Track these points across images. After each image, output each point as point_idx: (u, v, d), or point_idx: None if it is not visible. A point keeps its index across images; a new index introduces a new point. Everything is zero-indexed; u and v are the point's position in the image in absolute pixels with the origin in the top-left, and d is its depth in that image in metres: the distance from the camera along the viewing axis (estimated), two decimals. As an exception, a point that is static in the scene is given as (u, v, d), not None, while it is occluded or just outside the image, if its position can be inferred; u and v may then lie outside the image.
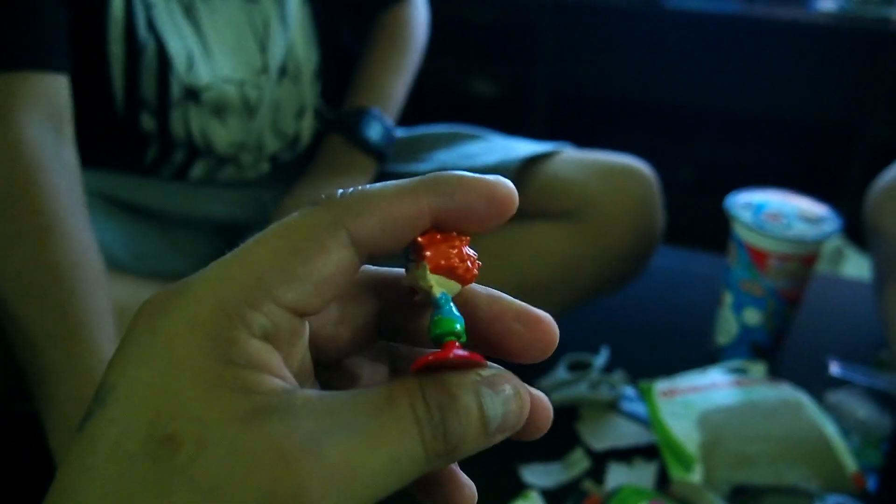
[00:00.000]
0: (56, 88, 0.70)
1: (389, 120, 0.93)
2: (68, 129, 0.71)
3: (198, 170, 0.87)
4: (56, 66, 0.70)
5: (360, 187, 0.22)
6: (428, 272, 0.23)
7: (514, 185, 0.24)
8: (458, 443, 0.21)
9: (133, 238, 0.83)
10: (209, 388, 0.19)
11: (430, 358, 0.22)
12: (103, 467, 0.19)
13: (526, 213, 0.90)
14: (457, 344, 0.22)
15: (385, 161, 0.93)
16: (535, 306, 0.25)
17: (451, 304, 0.23)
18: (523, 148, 0.93)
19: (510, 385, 0.22)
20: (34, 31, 0.70)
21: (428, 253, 0.23)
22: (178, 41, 0.79)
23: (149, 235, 0.85)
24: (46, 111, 0.69)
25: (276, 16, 0.85)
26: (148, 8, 0.78)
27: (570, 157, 0.94)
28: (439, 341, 0.23)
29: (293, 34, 0.87)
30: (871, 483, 0.75)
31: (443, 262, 0.23)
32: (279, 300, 0.21)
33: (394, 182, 0.23)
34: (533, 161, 0.92)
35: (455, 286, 0.23)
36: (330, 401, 0.20)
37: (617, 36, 2.11)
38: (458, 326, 0.23)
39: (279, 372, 0.21)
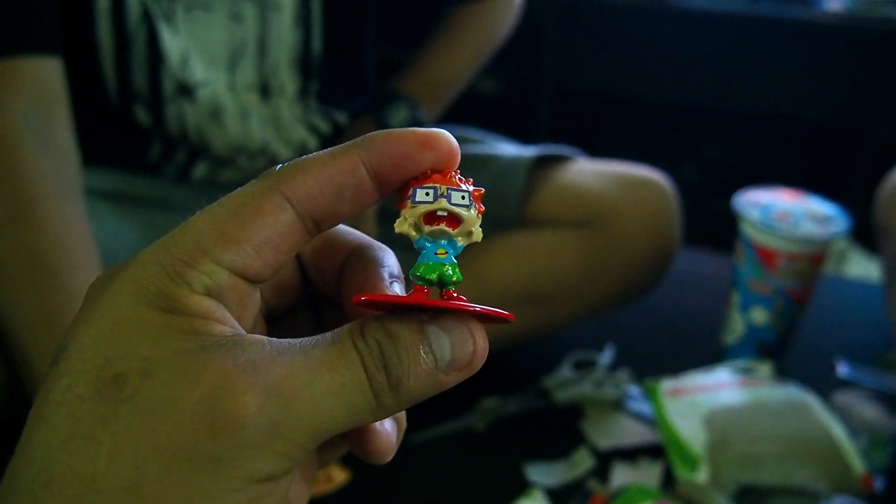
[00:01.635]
0: (45, 71, 0.69)
1: (422, 110, 0.90)
2: (61, 112, 0.70)
3: (200, 170, 0.87)
4: (44, 49, 0.69)
5: (296, 158, 0.23)
6: (405, 216, 0.23)
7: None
8: (401, 377, 0.21)
9: (140, 237, 0.83)
10: (156, 334, 0.20)
11: (364, 298, 0.22)
12: (55, 412, 0.20)
13: (541, 220, 0.90)
14: (425, 290, 0.23)
15: None
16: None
17: (438, 248, 0.23)
18: (532, 150, 0.92)
19: (461, 323, 0.22)
20: (20, 14, 0.69)
21: (408, 193, 0.23)
22: (174, 36, 0.79)
23: (153, 236, 0.85)
24: (34, 95, 0.68)
25: (254, 38, 0.82)
26: (142, 2, 0.76)
27: (587, 165, 0.93)
28: (422, 284, 0.23)
29: (276, 56, 0.84)
30: (878, 484, 0.74)
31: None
32: (219, 261, 0.21)
33: (327, 149, 0.23)
34: (547, 166, 0.91)
35: (460, 230, 0.22)
36: (278, 341, 0.21)
37: (622, 35, 2.11)
38: (430, 273, 0.22)
39: (227, 322, 0.21)
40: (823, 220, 0.88)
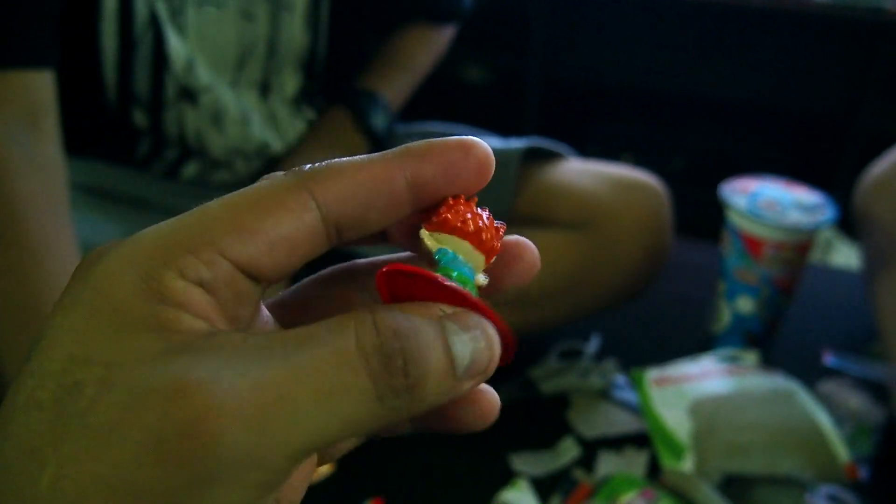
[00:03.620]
0: (34, 84, 0.67)
1: (391, 113, 0.92)
2: (48, 125, 0.68)
3: (190, 170, 0.85)
4: (35, 62, 0.68)
5: (329, 161, 0.21)
6: (424, 231, 0.21)
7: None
8: (420, 378, 0.18)
9: (119, 234, 0.82)
10: (126, 331, 0.18)
11: (392, 269, 0.20)
12: (14, 419, 0.18)
13: (533, 219, 0.89)
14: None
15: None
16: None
17: (455, 261, 0.21)
18: (522, 142, 0.91)
19: (480, 324, 0.20)
20: (12, 26, 0.67)
21: (438, 213, 0.21)
22: (180, 41, 0.77)
23: (132, 233, 0.83)
24: (22, 109, 0.66)
25: (264, 37, 0.82)
26: (149, 4, 0.75)
27: (579, 165, 0.92)
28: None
29: (284, 56, 0.84)
30: (863, 473, 0.75)
31: (447, 217, 0.21)
32: (225, 251, 0.19)
33: (365, 155, 0.21)
34: (538, 163, 0.90)
35: (478, 258, 0.22)
36: (259, 338, 0.18)
37: (610, 24, 2.10)
38: (454, 273, 0.21)
39: (206, 315, 0.19)
40: (810, 208, 0.88)
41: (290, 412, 0.17)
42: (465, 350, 0.19)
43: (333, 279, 0.25)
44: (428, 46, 0.98)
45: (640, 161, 1.98)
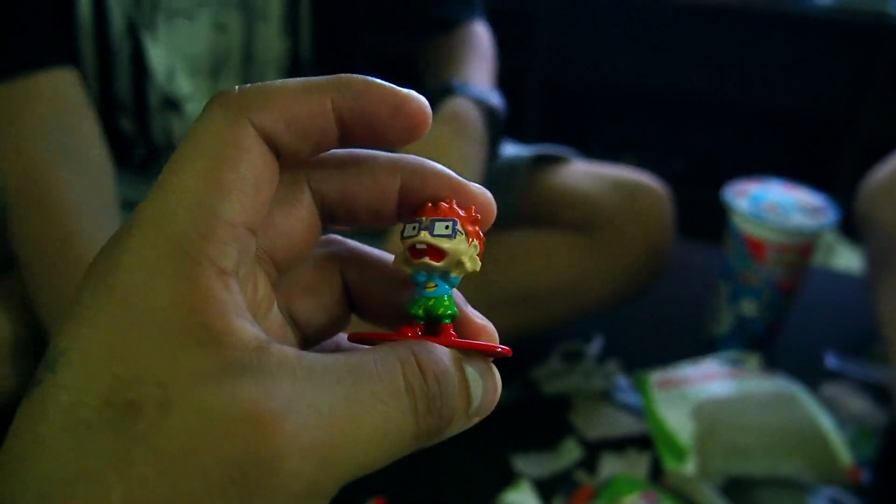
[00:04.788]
0: (64, 83, 0.67)
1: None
2: (86, 123, 0.68)
3: None
4: (59, 60, 0.67)
5: (260, 83, 0.20)
6: (397, 258, 0.22)
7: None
8: (449, 419, 0.20)
9: None
10: (173, 345, 0.17)
11: (353, 336, 0.21)
12: (57, 437, 0.17)
13: (536, 220, 0.89)
14: (417, 326, 0.22)
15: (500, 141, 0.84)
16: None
17: (428, 282, 0.22)
18: (530, 149, 0.91)
19: (489, 370, 0.22)
20: (30, 28, 0.67)
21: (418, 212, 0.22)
22: (158, 50, 0.76)
23: None
24: (57, 111, 0.66)
25: (239, 47, 0.80)
26: (126, 14, 0.74)
27: (583, 167, 0.92)
28: (412, 321, 0.22)
29: (263, 63, 0.81)
30: (865, 476, 0.74)
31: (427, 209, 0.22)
32: (228, 219, 0.19)
33: (298, 79, 0.21)
34: (543, 167, 0.90)
35: (447, 262, 0.21)
36: (310, 362, 0.18)
37: (612, 26, 2.10)
38: (416, 309, 0.22)
39: (244, 314, 0.19)
40: (813, 211, 0.88)
41: (351, 448, 0.18)
42: (478, 390, 0.21)
43: (319, 266, 0.25)
44: (471, 43, 0.91)
45: (641, 162, 1.98)
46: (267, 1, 0.78)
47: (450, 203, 0.22)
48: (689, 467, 0.74)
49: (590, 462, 0.79)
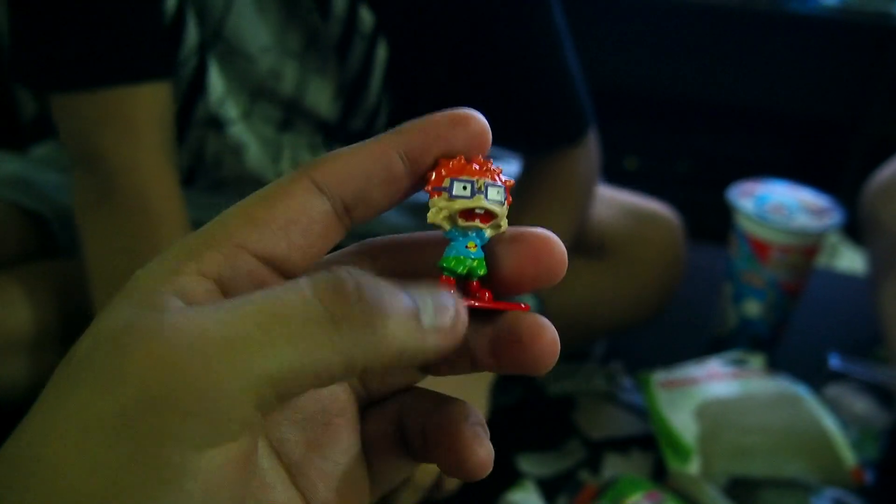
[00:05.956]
0: (131, 99, 0.67)
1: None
2: (151, 140, 0.68)
3: (204, 179, 0.84)
4: (161, 73, 0.68)
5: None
6: (439, 207, 0.22)
7: None
8: (376, 309, 0.18)
9: None
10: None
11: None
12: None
13: None
14: (452, 280, 0.22)
15: None
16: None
17: (469, 241, 0.22)
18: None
19: (443, 292, 0.20)
20: (138, 38, 0.67)
21: (433, 175, 0.22)
22: (218, 75, 0.75)
23: None
24: (161, 123, 0.67)
25: (288, 95, 0.78)
26: (199, 34, 0.73)
27: (599, 193, 0.92)
28: (441, 274, 0.22)
29: (302, 119, 0.80)
30: (869, 477, 0.75)
31: (440, 171, 0.22)
32: (242, 243, 0.20)
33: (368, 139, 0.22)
34: None
35: (492, 224, 0.22)
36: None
37: (615, 27, 2.10)
38: (460, 267, 0.22)
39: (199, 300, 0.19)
40: (818, 212, 0.88)
41: (247, 343, 0.17)
42: (427, 303, 0.19)
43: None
44: (571, 172, 0.85)
45: (645, 163, 1.99)
46: (325, 61, 0.76)
47: (483, 164, 0.22)
48: (693, 468, 0.74)
49: (594, 462, 0.79)
